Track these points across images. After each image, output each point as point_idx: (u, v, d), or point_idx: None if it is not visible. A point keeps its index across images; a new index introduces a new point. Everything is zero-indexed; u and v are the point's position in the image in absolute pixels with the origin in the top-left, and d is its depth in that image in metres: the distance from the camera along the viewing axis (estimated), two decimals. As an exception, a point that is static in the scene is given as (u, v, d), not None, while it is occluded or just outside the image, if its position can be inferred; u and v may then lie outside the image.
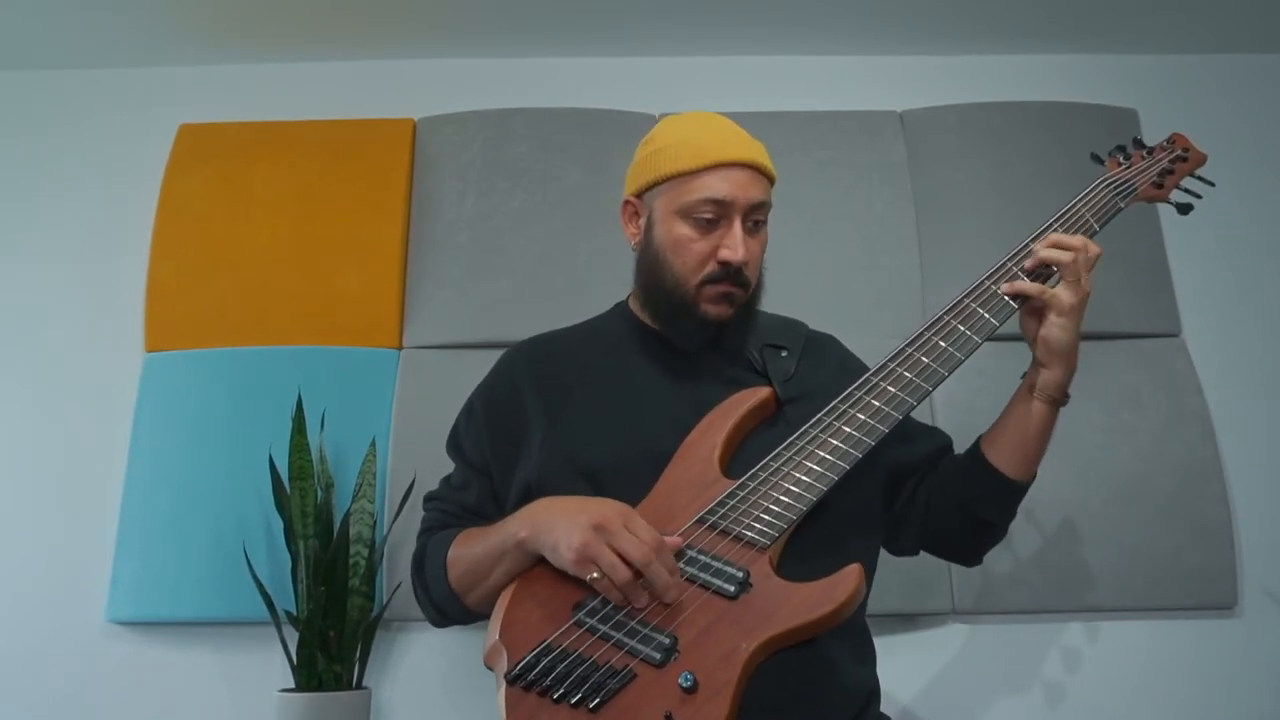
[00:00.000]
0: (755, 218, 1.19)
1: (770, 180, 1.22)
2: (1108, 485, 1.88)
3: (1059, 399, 1.15)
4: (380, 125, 2.18)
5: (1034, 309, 1.15)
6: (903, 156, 2.13)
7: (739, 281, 1.18)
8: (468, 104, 2.19)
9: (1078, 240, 1.14)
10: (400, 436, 1.92)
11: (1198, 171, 1.35)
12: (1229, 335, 2.05)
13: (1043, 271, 1.16)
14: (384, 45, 2.26)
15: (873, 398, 1.11)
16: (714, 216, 1.16)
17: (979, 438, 1.21)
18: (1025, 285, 1.14)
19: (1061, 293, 1.12)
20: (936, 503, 1.22)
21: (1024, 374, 1.18)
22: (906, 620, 1.85)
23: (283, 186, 2.12)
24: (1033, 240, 1.19)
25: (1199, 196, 1.33)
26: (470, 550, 1.13)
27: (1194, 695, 1.82)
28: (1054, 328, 1.11)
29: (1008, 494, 1.18)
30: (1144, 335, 2.01)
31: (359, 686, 1.74)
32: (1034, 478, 1.19)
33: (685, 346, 1.22)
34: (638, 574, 0.96)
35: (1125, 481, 1.89)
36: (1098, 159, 1.35)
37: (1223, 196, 2.07)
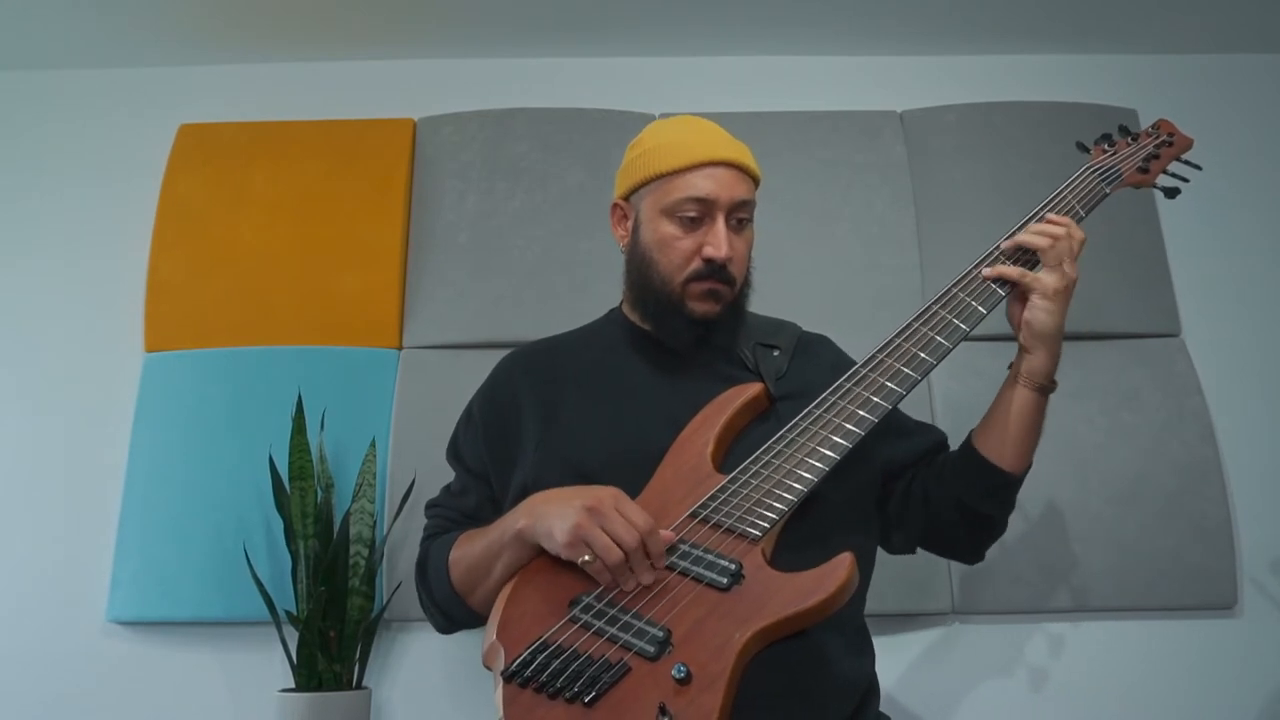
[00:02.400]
0: (739, 215, 1.20)
1: (754, 180, 1.23)
2: (1107, 485, 1.88)
3: (1046, 386, 1.15)
4: (380, 125, 2.18)
5: (1020, 295, 1.15)
6: (903, 156, 2.13)
7: (724, 278, 1.19)
8: (468, 104, 2.19)
9: (1058, 228, 1.15)
10: (400, 436, 1.92)
11: (1185, 156, 1.35)
12: (1229, 335, 2.05)
13: (1027, 258, 1.16)
14: (384, 45, 2.26)
15: (862, 389, 1.11)
16: (698, 215, 1.18)
17: (971, 431, 1.21)
18: (1007, 269, 1.15)
19: (1045, 276, 1.13)
20: (933, 499, 1.21)
21: (1010, 364, 1.18)
22: (906, 620, 1.85)
23: (283, 186, 2.12)
24: (1019, 229, 1.19)
25: (1186, 180, 1.33)
26: (471, 549, 1.14)
27: (1194, 695, 1.82)
28: (1038, 311, 1.12)
29: (1001, 486, 1.17)
30: (1144, 335, 2.01)
31: (359, 686, 1.74)
32: (1028, 468, 1.18)
33: (675, 345, 1.23)
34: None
35: (1125, 481, 1.89)
36: (1083, 147, 1.36)
37: (1223, 196, 2.09)
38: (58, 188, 2.19)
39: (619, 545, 0.97)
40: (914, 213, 2.08)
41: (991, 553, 1.88)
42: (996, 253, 1.19)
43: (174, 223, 2.09)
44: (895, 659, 1.83)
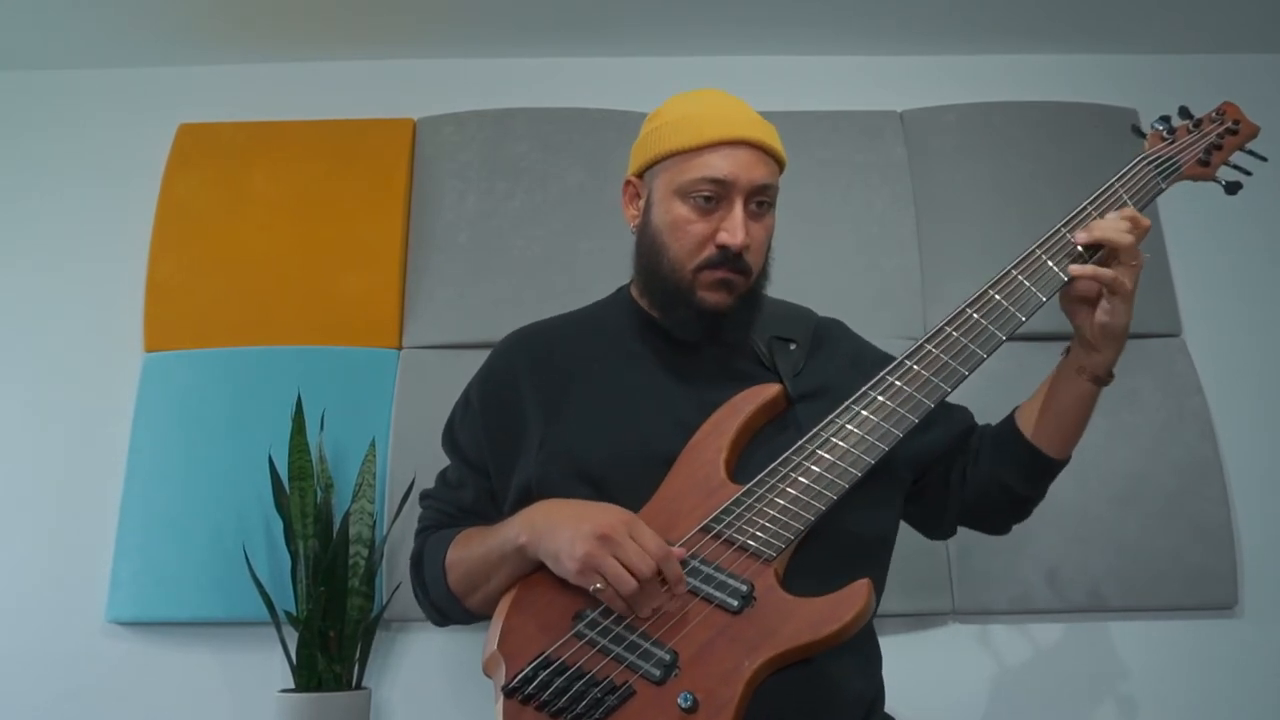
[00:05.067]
0: (760, 199, 1.11)
1: (779, 163, 1.15)
2: (1108, 485, 1.88)
3: (1105, 379, 1.12)
4: (380, 125, 2.17)
5: (1077, 294, 1.07)
6: (903, 156, 2.13)
7: (738, 268, 1.10)
8: (468, 104, 2.19)
9: (1124, 221, 1.06)
10: (400, 436, 1.92)
11: (1248, 145, 1.22)
12: (1229, 335, 2.05)
13: (1096, 254, 1.07)
14: (384, 45, 2.26)
15: (887, 397, 1.05)
16: (714, 196, 1.09)
17: (1014, 414, 1.18)
18: (1100, 270, 1.04)
19: (1124, 277, 1.04)
20: (972, 483, 1.18)
21: (1065, 351, 1.13)
22: (906, 620, 1.85)
23: (283, 186, 2.11)
24: (1066, 227, 1.10)
25: (1249, 173, 1.21)
26: (469, 553, 1.10)
27: (1194, 695, 1.82)
28: (1118, 314, 1.05)
29: (1045, 472, 1.16)
30: (1144, 335, 2.00)
31: (359, 687, 1.74)
32: (1069, 459, 1.16)
33: (683, 336, 1.15)
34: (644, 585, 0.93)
35: (1125, 481, 1.88)
36: (1139, 132, 1.24)
37: (1223, 196, 2.08)
38: (57, 188, 2.18)
39: (633, 574, 0.93)
40: (914, 213, 2.08)
41: (991, 553, 1.89)
42: (1042, 256, 1.08)
43: (173, 223, 2.09)
44: (895, 659, 1.79)
